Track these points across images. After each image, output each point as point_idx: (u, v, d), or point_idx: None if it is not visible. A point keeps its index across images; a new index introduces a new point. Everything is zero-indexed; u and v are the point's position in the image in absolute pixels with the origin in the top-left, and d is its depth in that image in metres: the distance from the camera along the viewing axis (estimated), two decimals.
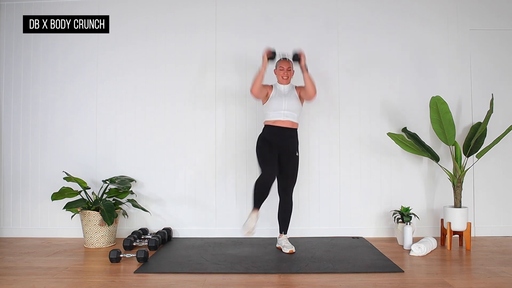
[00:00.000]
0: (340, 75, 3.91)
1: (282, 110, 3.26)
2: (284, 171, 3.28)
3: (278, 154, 3.25)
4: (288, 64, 3.33)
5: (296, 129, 3.34)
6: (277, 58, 3.33)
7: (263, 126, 3.35)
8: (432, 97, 3.49)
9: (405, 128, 3.83)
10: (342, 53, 3.92)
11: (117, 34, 3.96)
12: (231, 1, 3.94)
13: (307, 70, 3.21)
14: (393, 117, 3.90)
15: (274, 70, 3.41)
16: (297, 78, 3.51)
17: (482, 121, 3.74)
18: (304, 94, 3.31)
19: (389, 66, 3.91)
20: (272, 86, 3.38)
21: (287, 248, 3.24)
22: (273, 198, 3.46)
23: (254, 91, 3.22)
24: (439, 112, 3.47)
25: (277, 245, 3.38)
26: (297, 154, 3.32)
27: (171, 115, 3.92)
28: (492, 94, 3.50)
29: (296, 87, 3.40)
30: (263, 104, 3.36)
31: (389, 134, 3.60)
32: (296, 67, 3.37)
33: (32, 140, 3.96)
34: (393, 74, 3.91)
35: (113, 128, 3.94)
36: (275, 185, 3.32)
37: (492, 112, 3.39)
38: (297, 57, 3.23)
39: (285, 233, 3.37)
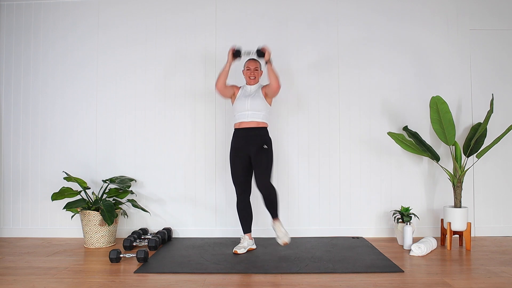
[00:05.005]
0: (340, 75, 3.91)
1: (246, 111, 3.26)
2: (256, 164, 3.21)
3: (248, 156, 3.25)
4: (255, 64, 3.32)
5: (264, 127, 3.29)
6: (243, 56, 3.32)
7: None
8: (432, 97, 3.49)
9: (406, 126, 3.83)
10: (342, 53, 3.92)
11: (117, 36, 3.96)
12: (231, 2, 3.94)
13: (271, 63, 3.19)
14: (393, 117, 3.90)
15: (242, 70, 3.42)
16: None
17: (482, 121, 3.74)
18: (268, 88, 3.28)
19: (389, 66, 3.91)
20: (240, 87, 3.39)
21: (280, 238, 3.15)
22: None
23: (218, 86, 3.25)
24: (439, 112, 3.47)
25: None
26: (265, 146, 3.23)
27: (171, 116, 3.92)
28: (492, 94, 3.50)
29: (262, 86, 3.36)
30: (232, 105, 3.37)
31: (389, 133, 3.60)
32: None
33: (32, 140, 3.96)
34: (393, 74, 3.91)
35: (113, 128, 3.94)
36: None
37: (492, 112, 3.39)
38: (261, 53, 3.22)
39: (276, 216, 3.21)
